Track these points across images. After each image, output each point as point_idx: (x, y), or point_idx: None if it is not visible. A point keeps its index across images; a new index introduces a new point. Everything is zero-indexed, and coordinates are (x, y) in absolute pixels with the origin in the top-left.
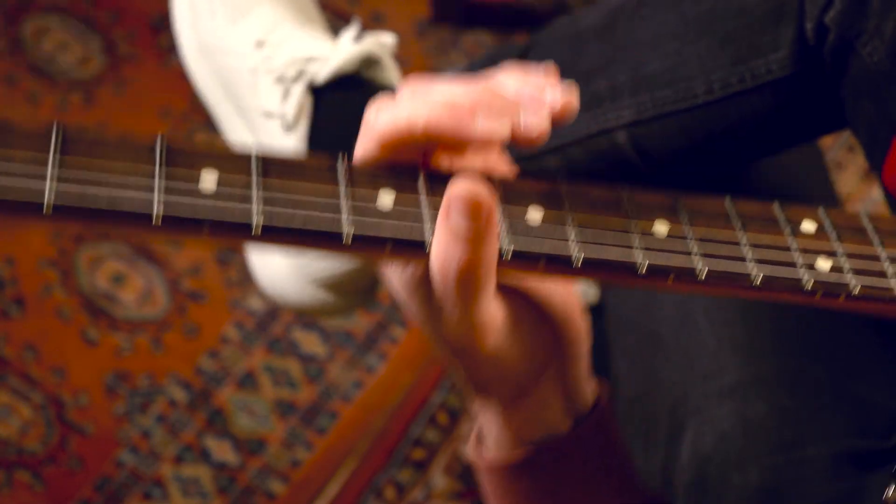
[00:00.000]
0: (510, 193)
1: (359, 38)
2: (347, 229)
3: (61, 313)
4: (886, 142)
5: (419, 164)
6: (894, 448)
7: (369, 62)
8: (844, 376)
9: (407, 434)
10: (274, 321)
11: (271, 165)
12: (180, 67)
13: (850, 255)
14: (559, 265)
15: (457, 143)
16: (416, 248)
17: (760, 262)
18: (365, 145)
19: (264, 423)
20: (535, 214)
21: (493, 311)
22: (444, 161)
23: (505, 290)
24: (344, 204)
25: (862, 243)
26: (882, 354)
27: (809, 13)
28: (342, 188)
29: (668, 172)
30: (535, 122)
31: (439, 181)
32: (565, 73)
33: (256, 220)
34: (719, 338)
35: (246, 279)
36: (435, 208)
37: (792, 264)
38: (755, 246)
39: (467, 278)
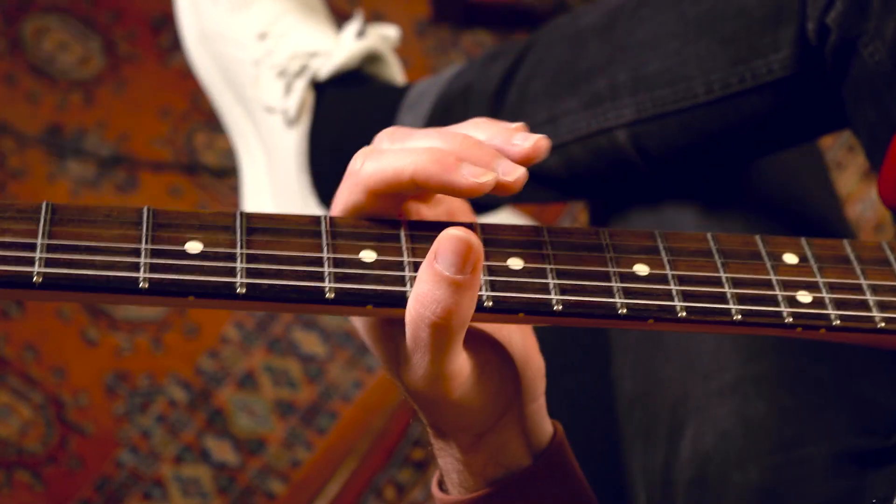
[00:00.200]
0: (491, 243)
1: (362, 32)
2: (330, 290)
3: (61, 313)
4: (886, 143)
5: (401, 217)
6: (895, 447)
7: (372, 57)
8: (845, 375)
9: (407, 434)
10: (274, 321)
11: (255, 226)
12: (180, 67)
13: (832, 287)
14: (539, 313)
15: (440, 191)
16: (398, 305)
17: (741, 298)
18: (350, 193)
19: (264, 423)
20: (515, 263)
21: (461, 362)
22: (412, 209)
23: (470, 337)
24: (326, 263)
25: (844, 273)
26: (883, 354)
27: (811, 14)
28: (325, 247)
29: (668, 172)
30: (513, 170)
31: (420, 238)
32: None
33: (240, 290)
34: (719, 337)
35: None
36: (416, 268)
37: (773, 299)
38: (736, 282)
39: (443, 326)
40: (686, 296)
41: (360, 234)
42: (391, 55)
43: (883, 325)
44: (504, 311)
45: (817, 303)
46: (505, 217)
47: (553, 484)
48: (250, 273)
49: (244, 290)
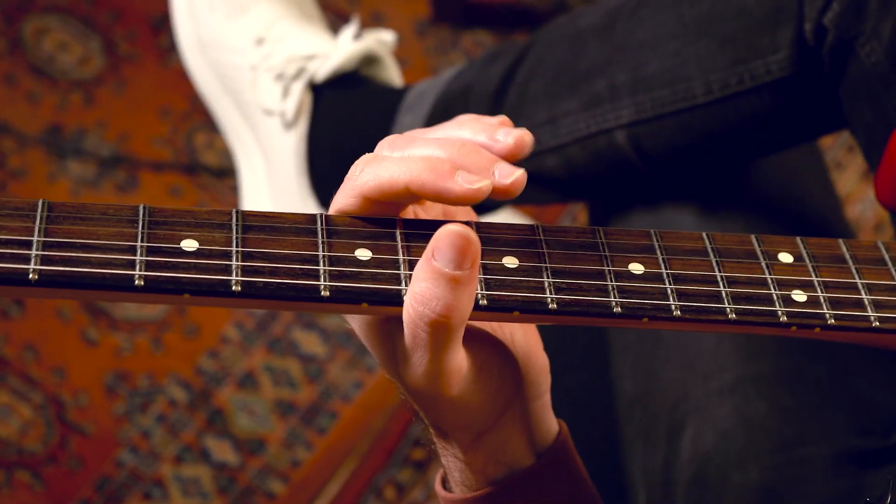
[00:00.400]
0: (486, 241)
1: (358, 36)
2: (325, 288)
3: (61, 313)
4: (883, 143)
5: (396, 217)
6: (894, 447)
7: (369, 60)
8: (844, 375)
9: (407, 434)
10: (274, 321)
11: (251, 224)
12: (180, 67)
13: (827, 286)
14: (534, 311)
15: (436, 199)
16: (394, 303)
17: (736, 297)
18: (346, 198)
19: (264, 423)
20: (510, 262)
21: (459, 359)
22: (409, 210)
23: (470, 335)
24: (322, 262)
25: (839, 272)
26: (880, 353)
27: (808, 14)
28: (320, 245)
29: (668, 172)
30: (510, 172)
31: (416, 237)
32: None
33: (235, 287)
34: (719, 337)
35: None
36: (412, 266)
37: (768, 298)
38: (731, 281)
39: (443, 323)
40: (681, 294)
41: (355, 232)
42: (389, 57)
43: (878, 324)
44: (499, 309)
45: (812, 302)
46: (505, 217)
47: (556, 483)
48: (246, 271)
49: (239, 288)
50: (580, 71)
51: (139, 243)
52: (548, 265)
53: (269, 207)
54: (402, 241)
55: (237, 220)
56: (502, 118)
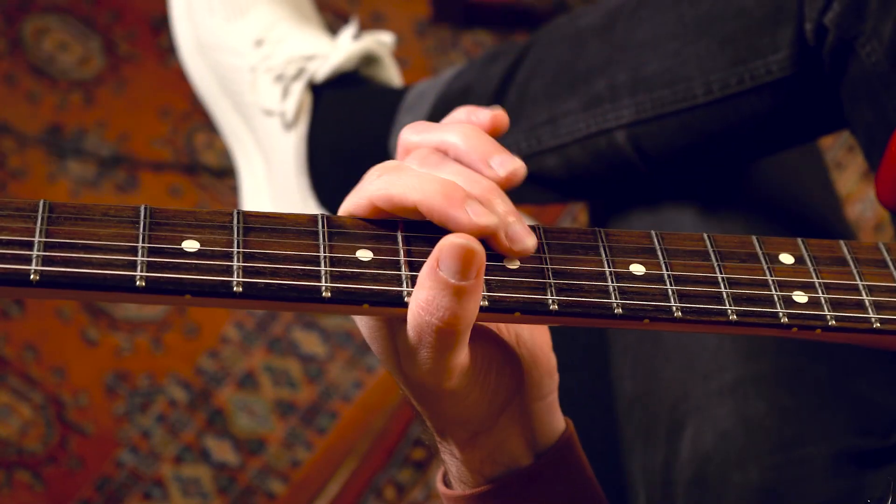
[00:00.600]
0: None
1: (357, 36)
2: (326, 289)
3: (61, 313)
4: (884, 143)
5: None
6: (894, 447)
7: (369, 60)
8: (844, 375)
9: (407, 434)
10: (274, 321)
11: (252, 225)
12: (180, 67)
13: (828, 287)
14: (535, 313)
15: (441, 225)
16: (395, 304)
17: (737, 298)
18: (358, 199)
19: (264, 423)
20: (511, 263)
21: (463, 357)
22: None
23: (474, 332)
24: (323, 262)
25: (840, 274)
26: (880, 353)
27: (808, 14)
28: (321, 246)
29: (668, 172)
30: (521, 239)
31: (417, 238)
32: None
33: (236, 288)
34: (719, 337)
35: None
36: (412, 267)
37: (769, 299)
38: (732, 282)
39: (449, 332)
40: (682, 296)
41: (356, 233)
42: (388, 57)
43: (879, 325)
44: (500, 310)
45: (813, 303)
46: None
47: (556, 483)
48: (247, 272)
49: (241, 289)
50: (580, 71)
51: (140, 244)
52: (549, 266)
53: (269, 208)
54: (403, 242)
55: (238, 221)
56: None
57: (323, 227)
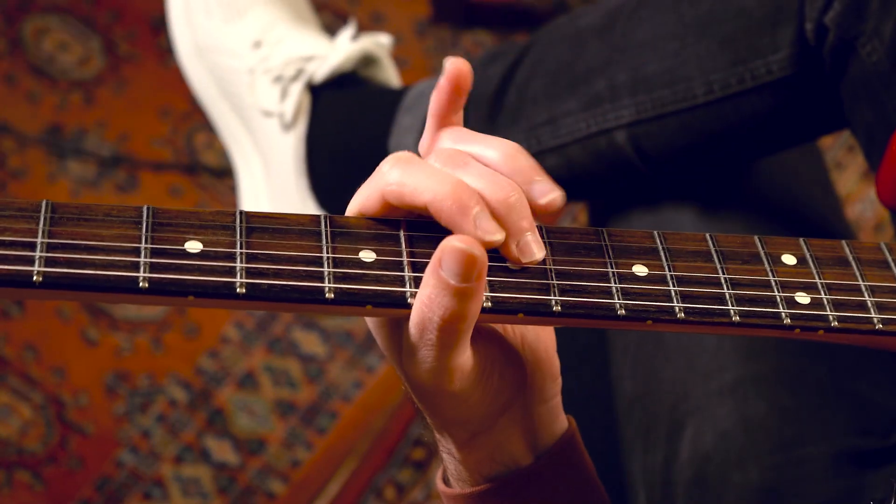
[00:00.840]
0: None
1: (356, 37)
2: (329, 290)
3: (61, 313)
4: (884, 143)
5: (401, 219)
6: (894, 447)
7: (367, 61)
8: (844, 375)
9: (407, 434)
10: (274, 321)
11: (255, 226)
12: None
13: (831, 288)
14: (538, 314)
15: (448, 228)
16: (398, 305)
17: (739, 299)
18: (369, 192)
19: (264, 423)
20: (515, 263)
21: (464, 358)
22: None
23: (478, 333)
24: (326, 263)
25: (842, 274)
26: (881, 354)
27: (809, 14)
28: (324, 247)
29: (668, 172)
30: (530, 252)
31: (419, 238)
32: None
33: (239, 290)
34: (719, 337)
35: None
36: (416, 268)
37: (771, 300)
38: (734, 283)
39: (450, 330)
40: (685, 296)
41: (359, 234)
42: (387, 58)
43: (881, 326)
44: (503, 311)
45: (815, 304)
46: None
47: (556, 483)
48: (250, 273)
49: (244, 290)
50: (580, 71)
51: (143, 245)
52: (552, 267)
53: (267, 209)
54: (406, 243)
55: (241, 222)
56: (548, 184)
57: (326, 227)
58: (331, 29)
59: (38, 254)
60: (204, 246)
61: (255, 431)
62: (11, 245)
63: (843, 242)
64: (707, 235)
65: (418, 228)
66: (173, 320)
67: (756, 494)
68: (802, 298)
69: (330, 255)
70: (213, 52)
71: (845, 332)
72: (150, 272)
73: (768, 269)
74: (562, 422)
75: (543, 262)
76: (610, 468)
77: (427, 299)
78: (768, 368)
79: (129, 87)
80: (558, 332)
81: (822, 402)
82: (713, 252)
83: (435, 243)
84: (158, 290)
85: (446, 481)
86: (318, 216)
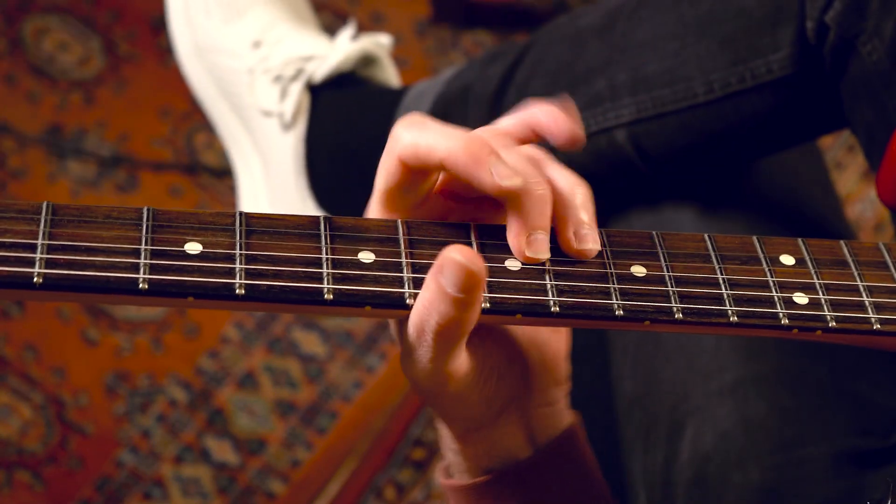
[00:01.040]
0: (488, 244)
1: (355, 37)
2: (328, 291)
3: (61, 313)
4: (884, 142)
5: (398, 217)
6: (894, 447)
7: (367, 61)
8: (845, 376)
9: (407, 434)
10: (274, 321)
11: (254, 227)
12: None
13: (829, 288)
14: (536, 314)
15: (467, 182)
16: (396, 307)
17: (738, 299)
18: (387, 166)
19: (264, 423)
20: (512, 264)
21: (462, 360)
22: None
23: (481, 333)
24: (325, 264)
25: (841, 275)
26: (880, 354)
27: (809, 13)
28: (323, 248)
29: (668, 172)
30: (590, 239)
31: (419, 241)
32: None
33: (239, 291)
34: (719, 337)
35: None
36: (415, 269)
37: (769, 300)
38: (733, 284)
39: (446, 334)
40: (683, 297)
41: (358, 235)
42: (386, 58)
43: (879, 326)
44: (501, 312)
45: (813, 304)
46: None
47: (556, 476)
48: (249, 274)
49: (243, 291)
50: (580, 71)
51: (143, 246)
52: (550, 267)
53: (267, 209)
54: (405, 245)
55: (240, 223)
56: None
57: (325, 228)
58: (331, 29)
59: (38, 255)
60: (203, 247)
61: (255, 431)
62: (12, 247)
63: (842, 243)
64: (705, 236)
65: (417, 228)
66: (173, 320)
67: (756, 495)
68: (800, 299)
69: (329, 256)
70: (212, 52)
71: (843, 333)
72: (150, 273)
73: (766, 269)
74: (564, 420)
75: (542, 262)
76: (610, 468)
77: (427, 302)
78: (768, 369)
79: (129, 87)
80: None
81: (823, 403)
82: (711, 253)
83: (435, 245)
84: (158, 291)
85: (449, 474)
86: (318, 217)
